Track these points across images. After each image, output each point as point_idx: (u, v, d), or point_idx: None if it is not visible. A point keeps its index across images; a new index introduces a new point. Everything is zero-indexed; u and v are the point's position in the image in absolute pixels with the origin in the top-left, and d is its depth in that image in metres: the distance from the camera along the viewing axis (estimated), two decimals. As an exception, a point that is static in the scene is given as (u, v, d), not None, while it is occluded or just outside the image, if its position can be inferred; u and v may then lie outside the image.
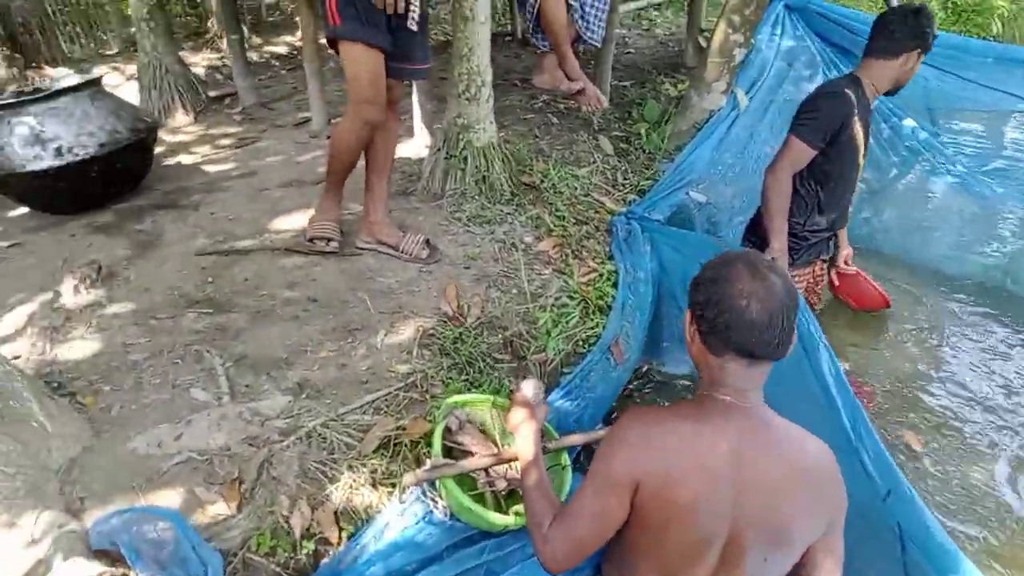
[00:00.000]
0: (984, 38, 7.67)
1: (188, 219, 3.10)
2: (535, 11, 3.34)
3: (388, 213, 2.91)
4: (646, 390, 3.09)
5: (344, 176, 2.76)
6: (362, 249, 2.86)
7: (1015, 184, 4.02)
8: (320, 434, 1.97)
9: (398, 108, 2.78)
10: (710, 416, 1.40)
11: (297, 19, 6.42)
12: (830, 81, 2.80)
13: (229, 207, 3.20)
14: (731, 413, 1.39)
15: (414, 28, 2.54)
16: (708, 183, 3.89)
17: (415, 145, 3.82)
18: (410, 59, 2.60)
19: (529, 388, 1.97)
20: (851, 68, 4.37)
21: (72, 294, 2.54)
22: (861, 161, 2.78)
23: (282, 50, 6.17)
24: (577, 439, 1.97)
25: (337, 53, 2.47)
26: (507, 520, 1.75)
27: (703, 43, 5.22)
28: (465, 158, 3.21)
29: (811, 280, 3.15)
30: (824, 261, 3.14)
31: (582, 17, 3.46)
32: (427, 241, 2.87)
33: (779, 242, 2.70)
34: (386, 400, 2.13)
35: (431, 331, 2.44)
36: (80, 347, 2.29)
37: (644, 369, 3.24)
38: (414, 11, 2.51)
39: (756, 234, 3.01)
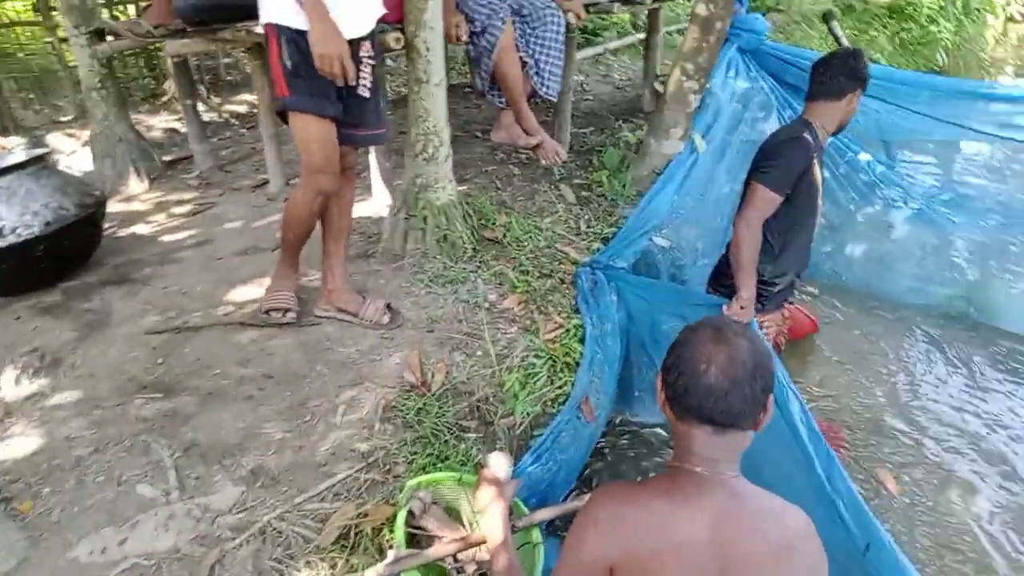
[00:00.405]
0: (931, 69, 7.91)
1: (138, 295, 2.99)
2: (490, 68, 3.33)
3: (347, 278, 2.84)
4: (620, 443, 3.02)
5: (299, 246, 2.69)
6: (320, 318, 2.77)
7: (970, 214, 4.07)
8: (275, 528, 1.86)
9: (353, 174, 2.73)
10: (685, 492, 1.34)
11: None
12: (786, 127, 2.83)
13: (182, 279, 3.10)
14: (705, 487, 1.33)
15: (366, 95, 2.50)
16: (671, 228, 3.89)
17: (374, 204, 3.77)
18: (363, 125, 2.56)
19: (497, 463, 1.89)
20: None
21: (13, 385, 2.41)
22: (820, 202, 2.79)
23: (241, 109, 6.13)
24: (547, 514, 1.89)
25: (287, 124, 2.41)
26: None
27: (660, 88, 5.29)
28: (425, 218, 3.16)
29: (779, 322, 3.14)
30: (791, 303, 3.12)
31: (537, 73, 3.47)
32: (388, 306, 2.79)
33: (748, 291, 2.68)
34: (346, 484, 2.02)
35: (393, 403, 2.34)
36: (19, 445, 2.16)
37: (617, 420, 3.18)
38: (365, 78, 2.47)
39: (722, 282, 3.00)
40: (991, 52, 9.79)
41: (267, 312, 2.73)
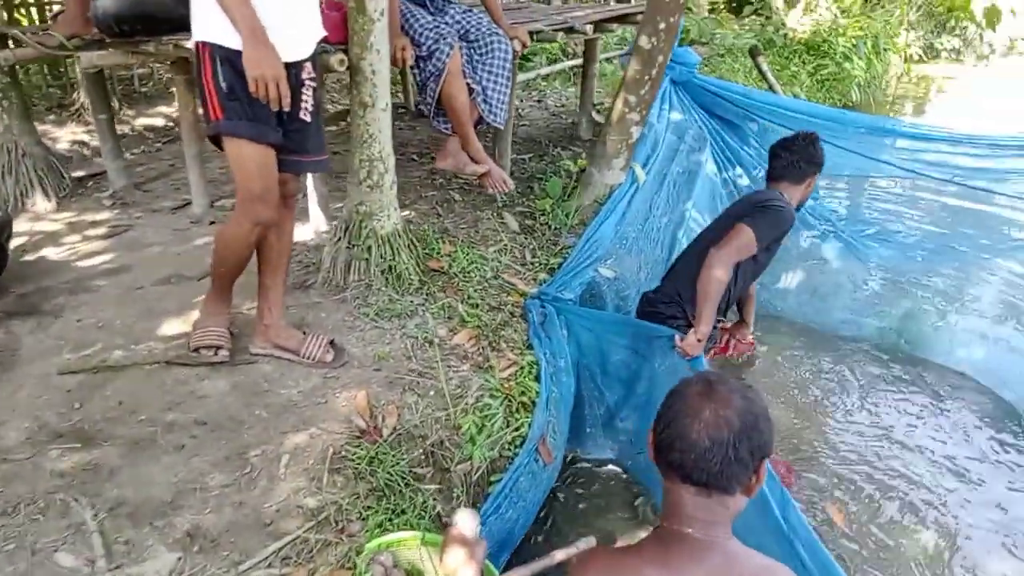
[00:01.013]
0: (846, 105, 8.32)
1: (50, 328, 2.71)
2: (436, 94, 3.23)
3: (285, 312, 2.65)
4: (574, 483, 2.94)
5: (233, 279, 2.49)
6: (257, 356, 2.57)
7: (896, 247, 4.23)
8: (218, 601, 1.67)
9: (294, 203, 2.56)
10: (678, 558, 1.26)
11: (173, 89, 6.08)
12: (776, 195, 2.97)
13: (98, 312, 2.83)
14: (697, 552, 1.26)
15: (307, 119, 2.35)
16: (615, 258, 3.88)
17: (310, 230, 3.58)
18: (304, 151, 2.40)
19: (464, 521, 1.76)
20: (734, 138, 4.56)
21: (-103, 437, 2.10)
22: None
23: (158, 122, 5.78)
24: (521, 573, 1.78)
25: (221, 149, 2.23)
26: None
27: (597, 117, 5.31)
28: (369, 248, 3.01)
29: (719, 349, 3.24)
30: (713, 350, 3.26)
31: (484, 100, 3.39)
32: (331, 342, 2.62)
33: (707, 326, 2.70)
34: (295, 546, 1.85)
35: (342, 451, 2.18)
36: (-94, 508, 1.88)
37: (568, 458, 3.10)
38: (307, 101, 2.32)
39: (648, 309, 3.06)
40: (894, 90, 10.44)
41: (196, 350, 2.51)
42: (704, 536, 1.27)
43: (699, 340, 2.65)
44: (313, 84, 2.33)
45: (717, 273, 2.70)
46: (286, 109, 2.16)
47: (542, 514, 2.74)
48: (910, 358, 3.93)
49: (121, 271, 3.21)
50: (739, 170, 4.49)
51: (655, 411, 2.88)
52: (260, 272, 2.53)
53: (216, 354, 2.51)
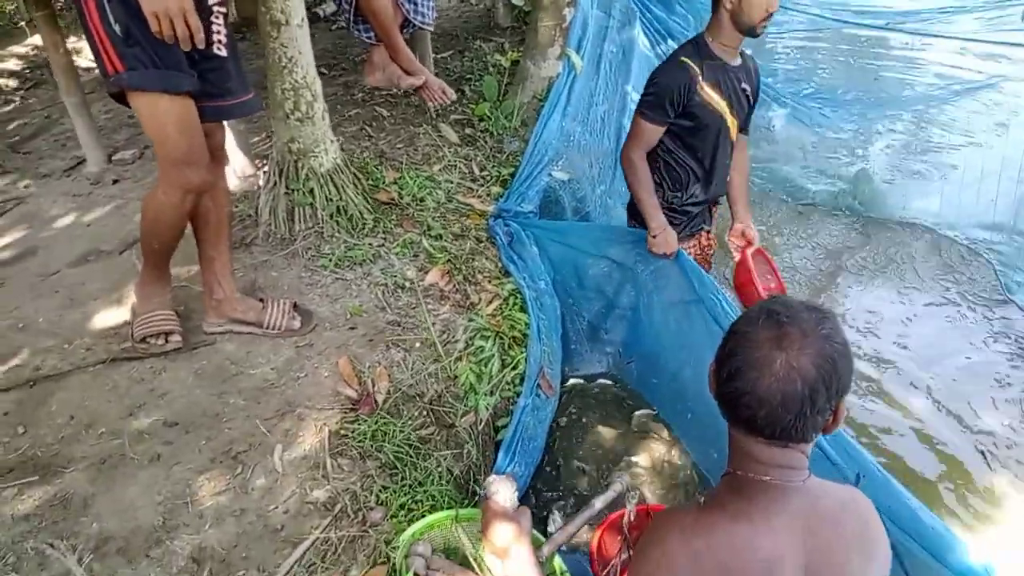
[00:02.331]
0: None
1: (-43, 341, 2.33)
2: (354, -1, 2.81)
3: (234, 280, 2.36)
4: (571, 408, 2.84)
5: (169, 254, 2.17)
6: (214, 335, 2.29)
7: (836, 105, 4.17)
8: (251, 631, 1.50)
9: (224, 155, 2.21)
10: (762, 509, 1.16)
11: (23, 24, 5.25)
12: (672, 52, 2.64)
13: (11, 310, 2.45)
14: (780, 499, 1.17)
15: (223, 53, 1.98)
16: (565, 158, 3.65)
17: (231, 175, 3.18)
18: (227, 93, 2.04)
19: (501, 490, 1.63)
20: (660, 8, 4.27)
21: None
22: (729, 123, 2.63)
23: (11, 66, 5.01)
24: (565, 535, 1.68)
25: (126, 105, 1.86)
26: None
27: (515, 0, 4.89)
28: (311, 190, 2.69)
29: (698, 252, 3.02)
30: (708, 231, 3.00)
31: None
32: (295, 306, 2.36)
33: (655, 221, 2.55)
34: (318, 550, 1.68)
35: (340, 430, 1.99)
36: None
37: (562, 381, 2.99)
38: (219, 33, 1.94)
39: (634, 215, 2.84)
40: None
41: (143, 340, 2.21)
42: (784, 482, 1.17)
43: (654, 236, 2.52)
44: (223, 10, 1.95)
45: (627, 169, 2.57)
46: (200, 47, 1.79)
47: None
48: (865, 217, 3.96)
49: (26, 255, 2.78)
50: (671, 42, 4.26)
51: (643, 320, 2.81)
52: (199, 241, 2.21)
53: (167, 341, 2.22)
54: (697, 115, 2.50)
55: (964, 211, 3.71)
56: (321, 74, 4.41)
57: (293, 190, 2.69)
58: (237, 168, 3.17)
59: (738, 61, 2.55)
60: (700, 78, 2.44)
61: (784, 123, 4.10)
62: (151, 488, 1.82)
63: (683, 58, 2.46)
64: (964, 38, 3.90)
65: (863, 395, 2.96)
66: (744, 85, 2.58)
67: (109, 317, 2.38)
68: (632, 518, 1.70)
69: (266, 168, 2.81)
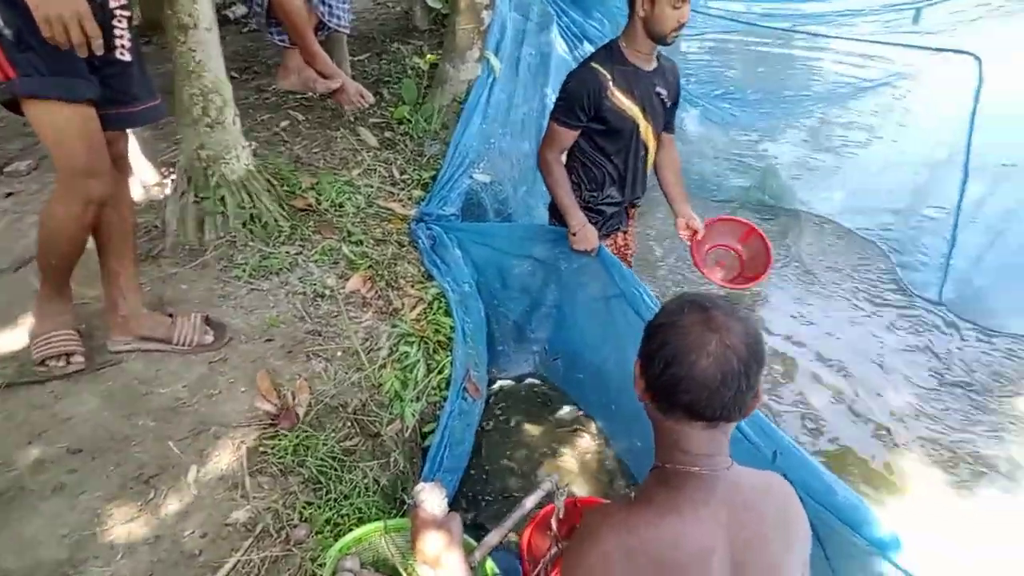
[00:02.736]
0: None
1: None
2: (266, 0, 2.72)
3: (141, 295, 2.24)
4: (497, 410, 2.84)
5: (68, 270, 2.04)
6: (120, 354, 2.17)
7: (743, 104, 4.32)
8: (168, 665, 1.42)
9: (127, 164, 2.10)
10: (691, 500, 1.19)
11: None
12: (586, 57, 2.68)
13: None
14: (709, 489, 1.19)
15: (127, 57, 1.88)
16: (487, 160, 3.65)
17: (135, 184, 3.02)
18: (131, 99, 1.94)
19: (430, 498, 1.59)
20: (577, 11, 4.32)
21: None
22: (643, 127, 2.66)
23: None
24: (496, 537, 1.66)
25: (19, 113, 1.74)
26: None
27: (431, 2, 4.86)
28: (222, 198, 2.59)
29: (615, 252, 3.07)
30: (624, 232, 3.03)
31: (323, 1, 2.91)
32: (206, 319, 2.26)
33: (574, 219, 2.57)
34: (239, 574, 1.61)
35: (259, 447, 1.91)
36: None
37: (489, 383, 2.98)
38: (121, 35, 1.84)
39: (555, 215, 2.86)
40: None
41: (43, 363, 2.07)
42: (711, 471, 1.20)
43: (574, 234, 2.54)
44: (126, 13, 1.85)
45: (543, 170, 2.60)
46: (97, 53, 1.69)
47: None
48: (775, 208, 4.11)
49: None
50: (588, 45, 4.32)
51: (568, 316, 2.83)
52: (102, 255, 2.09)
53: (69, 362, 2.08)
54: (608, 119, 2.52)
55: (864, 203, 3.91)
56: (232, 78, 4.24)
57: (203, 198, 2.58)
58: (140, 176, 3.01)
59: (653, 65, 2.58)
60: (611, 84, 2.46)
61: (696, 123, 4.21)
62: (55, 521, 1.70)
63: (594, 64, 2.49)
64: (862, 39, 4.10)
65: (768, 382, 3.08)
66: (660, 89, 2.62)
67: (4, 340, 2.22)
68: (561, 515, 1.70)
69: (173, 176, 2.69)
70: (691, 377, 1.12)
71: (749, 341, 1.16)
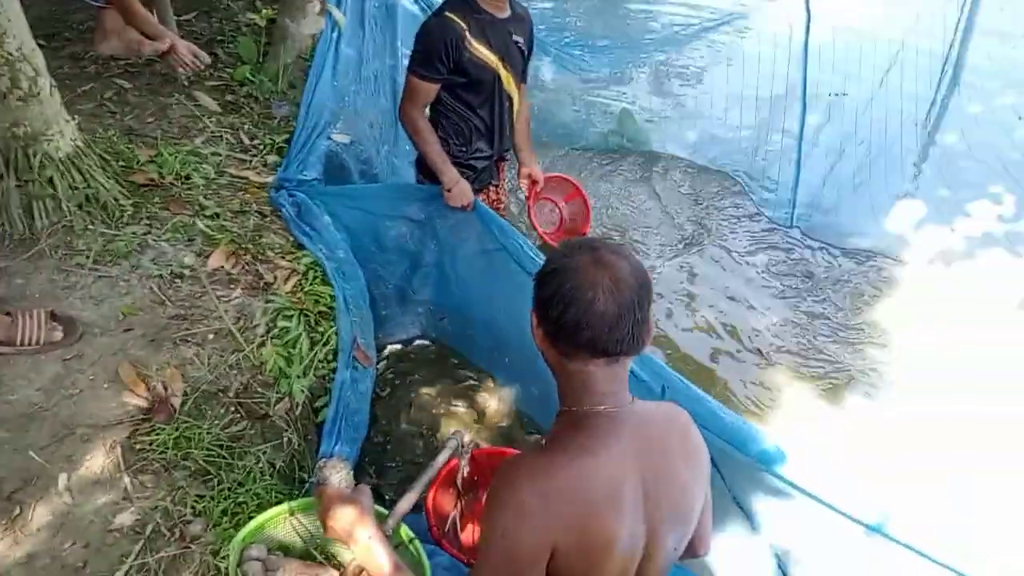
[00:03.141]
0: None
1: None
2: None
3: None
4: (391, 375, 2.78)
5: None
6: (-49, 363, 1.91)
7: (594, 52, 4.41)
8: None
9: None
10: (601, 439, 1.23)
11: None
12: (438, 6, 2.60)
13: None
14: (616, 426, 1.24)
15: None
16: (343, 120, 3.50)
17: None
18: None
19: (333, 474, 1.54)
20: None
21: None
22: (503, 77, 2.64)
23: None
24: (408, 502, 1.64)
25: None
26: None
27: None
28: (50, 179, 2.31)
29: (489, 206, 3.07)
30: (495, 186, 3.03)
31: (139, -48, 2.61)
32: (52, 315, 2.03)
33: (446, 175, 2.54)
34: (135, 579, 1.49)
35: (135, 445, 1.76)
36: None
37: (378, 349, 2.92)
38: None
39: (423, 171, 2.80)
40: None
41: None
42: (615, 407, 1.24)
43: (449, 190, 2.52)
44: None
45: (408, 127, 2.55)
46: None
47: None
48: (632, 152, 4.27)
49: None
50: (432, -4, 4.20)
51: (450, 275, 2.81)
52: (-91, 255, 1.81)
53: None
54: (469, 71, 2.47)
55: (715, 140, 4.15)
56: (40, 46, 3.79)
57: (26, 181, 2.29)
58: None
59: (507, 13, 2.55)
60: (467, 33, 2.41)
61: (552, 71, 4.25)
62: (-102, 558, 1.49)
63: (448, 13, 2.41)
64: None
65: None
66: (516, 37, 2.59)
67: None
68: (466, 471, 1.70)
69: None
70: (591, 314, 1.15)
71: (637, 274, 1.20)
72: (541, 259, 2.38)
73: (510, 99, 2.65)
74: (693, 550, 1.44)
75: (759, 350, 3.09)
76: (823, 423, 2.77)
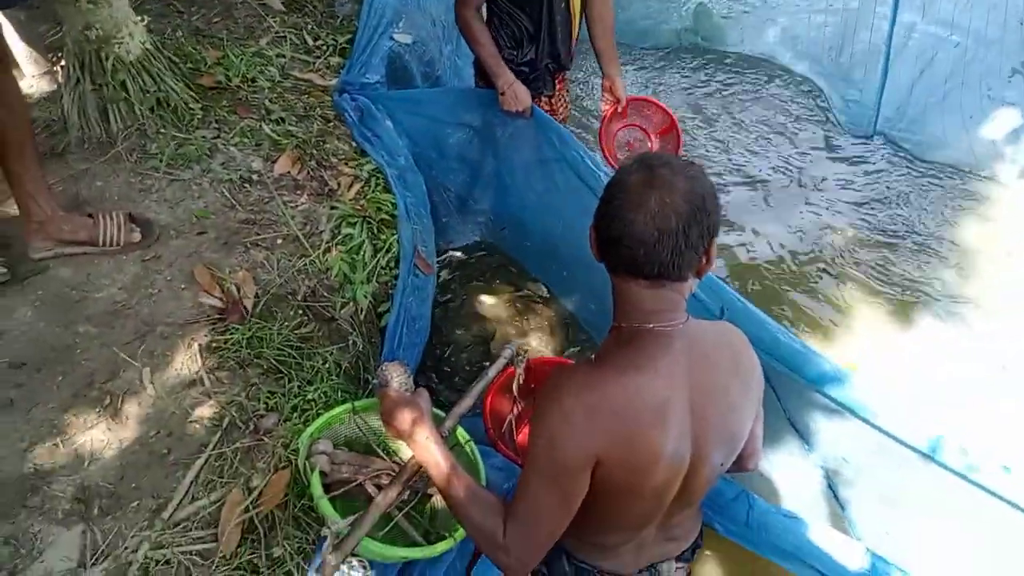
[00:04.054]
0: None
1: None
2: None
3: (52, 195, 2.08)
4: (452, 282, 2.84)
5: (-33, 178, 1.87)
6: (43, 261, 2.04)
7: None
8: (158, 560, 1.46)
9: (6, 54, 1.87)
10: (647, 355, 1.24)
11: None
12: None
13: None
14: (664, 343, 1.24)
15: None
16: (406, 18, 3.41)
17: (24, 76, 2.72)
18: None
19: (394, 376, 1.62)
20: None
21: None
22: None
23: None
24: (465, 405, 1.71)
25: None
26: (448, 544, 1.50)
27: None
28: (122, 82, 2.36)
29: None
30: (548, 97, 2.89)
31: None
32: (130, 216, 2.13)
33: (501, 78, 2.46)
34: (213, 467, 1.63)
35: (211, 343, 1.88)
36: None
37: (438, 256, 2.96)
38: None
39: (480, 75, 2.72)
40: None
41: (-41, 280, 1.94)
42: (665, 326, 1.24)
43: (503, 94, 2.45)
44: None
45: (462, 28, 2.47)
46: None
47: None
48: (710, 51, 4.04)
49: None
50: None
51: (509, 184, 2.79)
52: (1, 159, 1.91)
53: (-11, 276, 1.95)
54: None
55: (796, 40, 3.87)
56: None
57: (101, 85, 2.35)
58: (27, 66, 2.71)
59: None
60: None
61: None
62: (11, 436, 1.66)
63: None
64: None
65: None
66: None
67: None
68: (522, 379, 1.75)
69: (63, 63, 2.42)
70: (629, 234, 1.15)
71: (692, 199, 1.16)
72: (601, 170, 2.33)
73: (567, 1, 2.51)
74: (742, 464, 1.47)
75: (830, 265, 2.99)
76: (892, 343, 2.70)
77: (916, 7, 3.35)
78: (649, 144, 2.83)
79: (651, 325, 1.22)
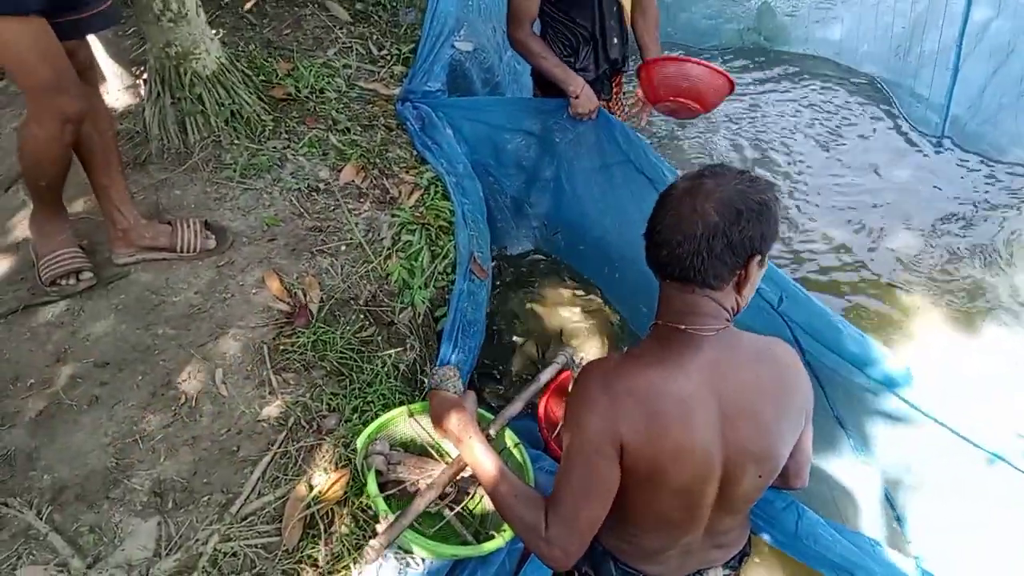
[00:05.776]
0: None
1: None
2: None
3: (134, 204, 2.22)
4: (505, 289, 2.89)
5: (59, 188, 2.02)
6: (126, 266, 2.19)
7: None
8: (225, 552, 1.55)
9: (95, 73, 2.02)
10: (675, 353, 1.26)
11: None
12: None
13: None
14: (693, 344, 1.26)
15: (69, -44, 1.76)
16: (467, 26, 3.47)
17: (111, 92, 2.91)
18: (81, 4, 1.84)
19: (444, 379, 1.68)
20: None
21: None
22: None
23: None
24: (514, 409, 1.76)
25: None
26: (497, 543, 1.55)
27: None
28: (199, 96, 2.51)
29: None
30: (607, 100, 2.88)
31: None
32: (206, 224, 2.26)
33: (571, 83, 2.47)
34: (278, 465, 1.72)
35: (279, 345, 1.98)
36: None
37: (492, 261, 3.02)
38: (59, -68, 1.71)
39: (539, 85, 2.74)
40: None
41: (53, 283, 2.09)
42: (697, 329, 1.25)
43: (576, 97, 2.46)
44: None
45: (519, 49, 2.47)
46: None
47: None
48: (771, 52, 3.97)
49: None
50: None
51: (566, 189, 2.82)
52: (88, 171, 2.06)
53: (79, 280, 2.10)
54: None
55: (862, 39, 3.76)
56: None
57: (179, 99, 2.50)
58: (114, 81, 2.89)
59: None
60: None
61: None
62: (96, 431, 1.80)
63: None
64: None
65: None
66: None
67: (9, 263, 2.23)
68: (574, 375, 1.79)
69: (146, 77, 2.58)
70: (657, 233, 1.21)
71: (725, 211, 1.17)
72: (663, 164, 2.34)
73: (618, 3, 2.52)
74: (788, 483, 1.46)
75: (896, 269, 2.91)
76: (956, 351, 2.61)
77: (991, 3, 3.20)
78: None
79: (683, 326, 1.25)
